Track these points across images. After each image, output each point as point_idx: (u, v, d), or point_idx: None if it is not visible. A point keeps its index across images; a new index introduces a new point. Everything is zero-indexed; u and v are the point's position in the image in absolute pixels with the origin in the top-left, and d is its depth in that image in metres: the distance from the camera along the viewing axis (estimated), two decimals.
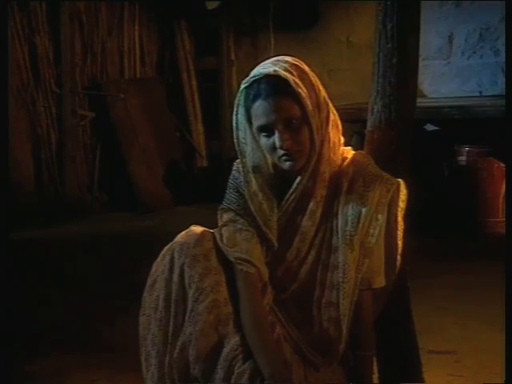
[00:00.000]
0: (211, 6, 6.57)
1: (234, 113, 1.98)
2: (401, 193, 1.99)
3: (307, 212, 1.97)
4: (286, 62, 1.94)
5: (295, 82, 1.90)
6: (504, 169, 4.77)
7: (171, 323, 1.95)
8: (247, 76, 1.96)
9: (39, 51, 5.95)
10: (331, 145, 1.98)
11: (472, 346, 2.94)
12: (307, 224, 1.97)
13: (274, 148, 1.92)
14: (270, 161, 2.00)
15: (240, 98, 1.95)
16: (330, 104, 2.00)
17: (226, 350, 1.90)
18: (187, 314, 1.93)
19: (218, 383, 1.88)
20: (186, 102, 6.90)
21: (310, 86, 1.94)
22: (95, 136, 6.38)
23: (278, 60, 1.95)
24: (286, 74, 1.90)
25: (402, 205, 2.00)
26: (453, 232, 4.82)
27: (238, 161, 2.08)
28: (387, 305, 2.10)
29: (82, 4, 6.21)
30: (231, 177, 2.08)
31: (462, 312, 3.36)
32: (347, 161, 2.01)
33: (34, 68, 5.93)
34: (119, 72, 6.58)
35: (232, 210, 2.03)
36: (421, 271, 3.30)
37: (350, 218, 1.95)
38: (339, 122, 2.03)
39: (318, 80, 1.97)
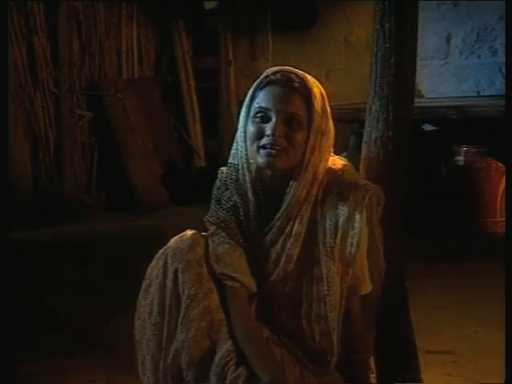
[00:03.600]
0: (209, 5, 6.57)
1: (248, 97, 1.97)
2: (378, 198, 1.96)
3: (293, 234, 1.95)
4: (315, 79, 1.98)
5: (314, 95, 1.92)
6: (502, 169, 4.78)
7: (165, 328, 1.94)
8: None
9: (37, 51, 5.94)
10: (319, 172, 1.96)
11: (470, 346, 2.94)
12: (293, 246, 1.95)
13: (261, 134, 1.90)
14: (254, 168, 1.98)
15: (257, 81, 1.96)
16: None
17: (218, 356, 1.90)
18: (179, 320, 1.92)
19: None
20: (184, 102, 6.90)
21: (324, 110, 1.95)
22: (93, 136, 6.37)
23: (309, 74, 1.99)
24: (314, 85, 1.94)
25: (379, 210, 1.97)
26: (451, 232, 4.83)
27: (221, 169, 2.07)
28: (385, 305, 2.10)
29: (79, 4, 6.21)
30: (214, 186, 2.07)
31: (460, 312, 3.36)
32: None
33: (32, 68, 5.93)
34: (117, 72, 6.58)
35: (213, 223, 2.02)
36: (418, 271, 3.31)
37: (327, 230, 1.93)
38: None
39: (329, 110, 1.98)
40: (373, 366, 2.18)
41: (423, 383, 2.33)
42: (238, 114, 2.01)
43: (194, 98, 6.93)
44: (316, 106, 1.91)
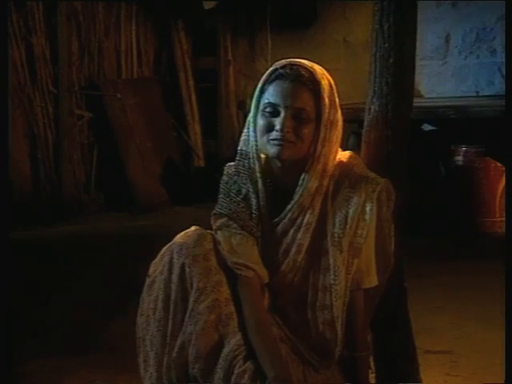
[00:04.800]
0: (208, 5, 6.56)
1: (258, 90, 1.99)
2: (388, 192, 1.99)
3: (303, 225, 1.98)
4: (325, 70, 1.99)
5: (323, 88, 1.94)
6: (501, 169, 4.78)
7: (170, 324, 1.95)
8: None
9: (36, 51, 5.93)
10: (329, 164, 1.98)
11: (469, 346, 2.94)
12: (304, 236, 1.98)
13: (270, 128, 1.93)
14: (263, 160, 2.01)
15: (266, 74, 1.97)
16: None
17: (226, 349, 1.90)
18: (187, 313, 1.92)
19: (218, 383, 1.89)
20: (183, 102, 6.90)
21: (333, 102, 1.97)
22: (92, 136, 6.36)
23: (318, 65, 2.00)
24: (322, 78, 1.95)
25: (390, 204, 2.00)
26: (450, 232, 4.83)
27: (228, 164, 2.09)
28: (384, 305, 2.10)
29: (78, 4, 6.20)
30: (222, 181, 2.09)
31: (459, 312, 3.36)
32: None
33: (31, 68, 5.92)
34: (116, 72, 6.57)
35: (224, 214, 2.03)
36: (417, 271, 3.31)
37: (337, 220, 1.96)
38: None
39: (338, 100, 2.00)
40: (372, 365, 2.18)
41: (422, 383, 2.33)
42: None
43: (193, 97, 6.93)
44: (325, 99, 1.94)
